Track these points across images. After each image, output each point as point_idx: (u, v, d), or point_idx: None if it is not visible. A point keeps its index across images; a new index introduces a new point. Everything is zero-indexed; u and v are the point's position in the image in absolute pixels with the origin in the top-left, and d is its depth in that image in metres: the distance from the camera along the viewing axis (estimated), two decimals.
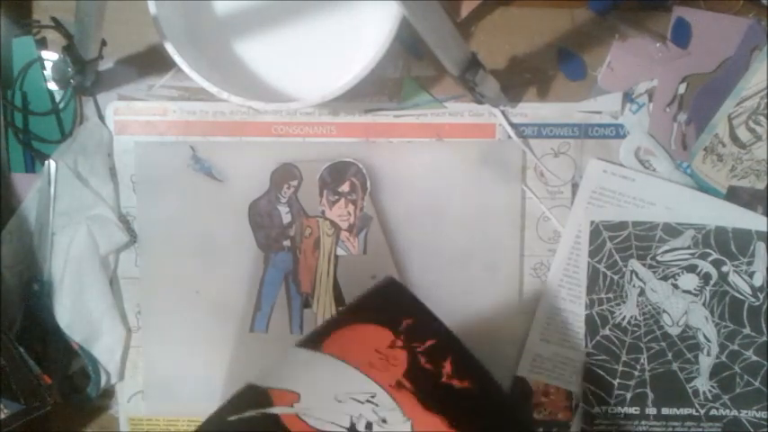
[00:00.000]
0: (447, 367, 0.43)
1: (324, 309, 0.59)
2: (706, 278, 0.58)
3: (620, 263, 0.58)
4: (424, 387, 0.43)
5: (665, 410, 0.59)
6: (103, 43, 0.55)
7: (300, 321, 0.59)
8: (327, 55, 0.57)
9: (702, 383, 0.58)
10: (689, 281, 0.58)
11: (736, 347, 0.58)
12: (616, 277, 0.58)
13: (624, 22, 0.58)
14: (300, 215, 0.59)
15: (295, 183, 0.58)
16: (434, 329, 0.45)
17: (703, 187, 0.58)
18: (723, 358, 0.58)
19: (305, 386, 0.44)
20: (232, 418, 0.44)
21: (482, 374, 0.44)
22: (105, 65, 0.58)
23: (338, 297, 0.59)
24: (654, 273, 0.58)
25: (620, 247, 0.58)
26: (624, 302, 0.59)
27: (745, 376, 0.58)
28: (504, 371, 0.59)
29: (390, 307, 0.47)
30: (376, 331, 0.45)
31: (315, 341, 0.46)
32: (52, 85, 0.59)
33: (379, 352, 0.44)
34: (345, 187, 0.58)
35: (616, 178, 0.58)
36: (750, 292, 0.58)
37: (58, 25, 0.58)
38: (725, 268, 0.58)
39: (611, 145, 0.59)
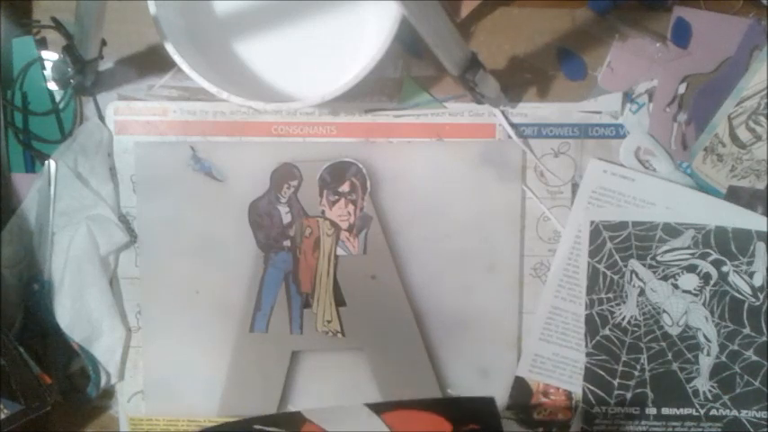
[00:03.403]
0: None
1: (324, 309, 0.59)
2: (706, 278, 0.58)
3: (620, 263, 0.58)
4: None
5: (665, 410, 0.59)
6: (103, 43, 0.55)
7: (300, 321, 0.59)
8: (327, 55, 0.57)
9: (702, 383, 0.58)
10: (689, 281, 0.58)
11: (736, 347, 0.58)
12: (616, 277, 0.58)
13: (624, 22, 0.58)
14: (300, 215, 0.59)
15: (295, 183, 0.58)
16: None
17: (703, 187, 0.58)
18: (723, 358, 0.58)
19: (335, 427, 0.45)
20: (257, 426, 0.46)
21: None
22: (105, 65, 0.58)
23: (338, 297, 0.59)
24: (654, 273, 0.58)
25: (620, 247, 0.58)
26: (624, 302, 0.59)
27: (745, 376, 0.58)
28: (504, 371, 0.59)
29: (469, 413, 0.48)
30: (438, 421, 0.46)
31: (380, 407, 0.47)
32: (52, 85, 0.59)
33: None
34: (345, 187, 0.58)
35: (616, 178, 0.58)
36: (750, 292, 0.58)
37: (58, 25, 0.58)
38: (725, 268, 0.58)
39: (611, 145, 0.59)
